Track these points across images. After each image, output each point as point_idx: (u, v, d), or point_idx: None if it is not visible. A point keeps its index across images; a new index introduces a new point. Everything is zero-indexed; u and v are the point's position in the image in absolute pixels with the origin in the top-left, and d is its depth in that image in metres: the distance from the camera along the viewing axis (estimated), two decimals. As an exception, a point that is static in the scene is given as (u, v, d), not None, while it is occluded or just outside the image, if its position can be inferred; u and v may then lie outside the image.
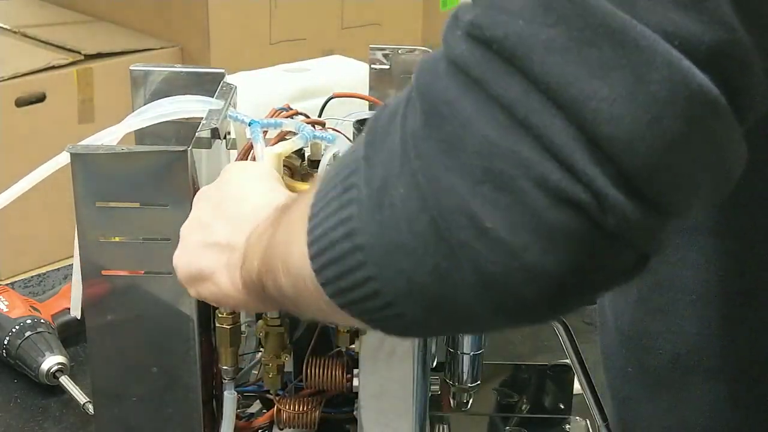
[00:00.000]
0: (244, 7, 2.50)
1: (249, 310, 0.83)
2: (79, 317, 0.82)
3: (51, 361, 1.03)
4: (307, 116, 0.88)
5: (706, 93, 0.45)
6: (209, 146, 0.80)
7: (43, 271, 1.30)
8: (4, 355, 1.06)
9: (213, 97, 0.87)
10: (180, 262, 0.73)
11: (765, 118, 0.49)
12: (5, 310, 1.08)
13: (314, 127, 0.84)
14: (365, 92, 0.96)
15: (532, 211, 0.46)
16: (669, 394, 0.73)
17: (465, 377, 0.97)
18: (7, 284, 1.20)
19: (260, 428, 0.88)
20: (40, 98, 2.30)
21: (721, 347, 0.69)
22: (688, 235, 0.66)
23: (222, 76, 0.91)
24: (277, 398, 0.85)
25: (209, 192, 0.74)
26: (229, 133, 0.87)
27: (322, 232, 0.53)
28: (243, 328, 0.86)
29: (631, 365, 0.76)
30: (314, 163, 0.85)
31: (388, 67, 0.97)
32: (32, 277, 1.29)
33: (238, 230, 0.68)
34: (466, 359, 0.96)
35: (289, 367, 0.85)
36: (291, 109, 0.87)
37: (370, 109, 0.91)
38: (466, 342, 0.96)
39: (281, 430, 0.86)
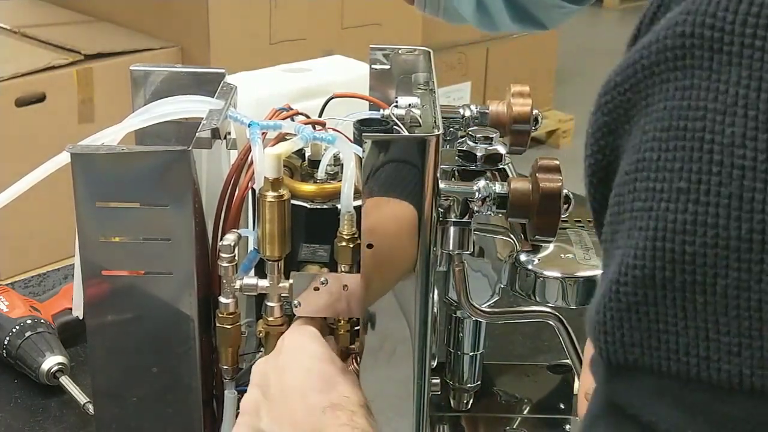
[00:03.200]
0: (244, 7, 2.50)
1: None
2: (81, 317, 0.82)
3: (51, 361, 1.03)
4: (308, 116, 0.88)
5: None
6: (209, 146, 0.80)
7: (43, 271, 1.30)
8: (5, 355, 1.06)
9: (213, 97, 0.87)
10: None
11: None
12: (5, 310, 1.08)
13: (314, 127, 0.84)
14: (365, 92, 0.96)
15: None
16: None
17: (465, 377, 0.97)
18: (7, 284, 1.19)
19: (260, 428, 0.88)
20: (40, 98, 2.30)
21: None
22: None
23: (222, 76, 0.91)
24: (277, 398, 0.85)
25: (265, 370, 0.76)
26: (229, 133, 0.87)
27: None
28: (243, 328, 0.86)
29: None
30: (314, 163, 0.85)
31: (388, 67, 0.97)
32: (32, 277, 1.29)
33: (280, 428, 0.72)
34: (467, 359, 0.97)
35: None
36: (291, 109, 0.87)
37: (370, 109, 0.91)
38: (467, 342, 0.96)
39: (281, 430, 0.86)
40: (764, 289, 0.42)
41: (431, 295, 0.82)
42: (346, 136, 0.84)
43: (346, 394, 0.72)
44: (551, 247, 0.88)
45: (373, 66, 0.98)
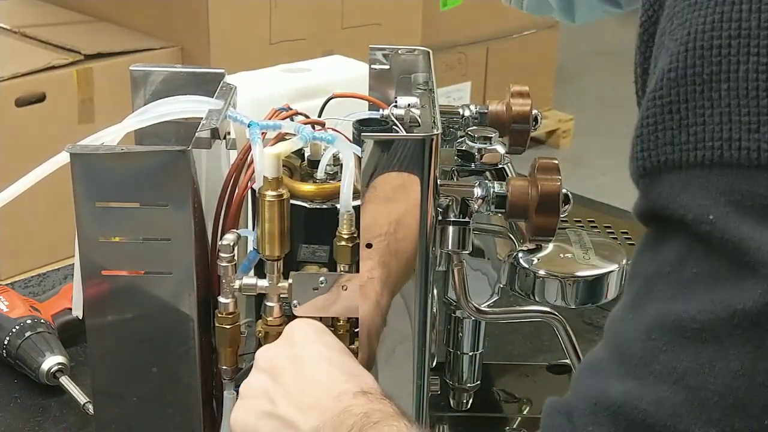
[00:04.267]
0: (244, 7, 2.50)
1: None
2: (81, 317, 0.82)
3: (51, 361, 1.03)
4: (307, 116, 0.88)
5: None
6: (209, 146, 0.80)
7: (43, 271, 1.30)
8: (5, 355, 1.06)
9: (213, 97, 0.87)
10: (238, 423, 0.75)
11: None
12: (5, 310, 1.08)
13: (314, 127, 0.84)
14: (365, 92, 0.96)
15: None
16: None
17: (465, 377, 0.97)
18: (7, 284, 1.19)
19: (260, 428, 0.88)
20: (40, 98, 2.30)
21: None
22: None
23: (222, 76, 0.91)
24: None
25: (275, 357, 0.75)
26: (228, 133, 0.87)
27: None
28: (243, 328, 0.86)
29: None
30: (314, 163, 0.85)
31: (388, 67, 0.97)
32: (32, 277, 1.29)
33: (303, 414, 0.71)
34: (466, 359, 0.97)
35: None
36: (291, 109, 0.87)
37: (370, 109, 0.91)
38: (466, 342, 0.96)
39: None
40: None
41: (431, 295, 0.82)
42: (345, 136, 0.84)
43: (373, 385, 0.72)
44: (551, 246, 0.88)
45: (372, 66, 0.98)
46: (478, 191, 0.80)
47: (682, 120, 0.51)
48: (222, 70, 0.91)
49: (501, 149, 0.89)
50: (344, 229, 0.79)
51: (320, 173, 0.84)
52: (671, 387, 0.51)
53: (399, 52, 0.97)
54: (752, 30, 0.49)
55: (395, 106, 0.86)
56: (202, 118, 0.82)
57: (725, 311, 0.50)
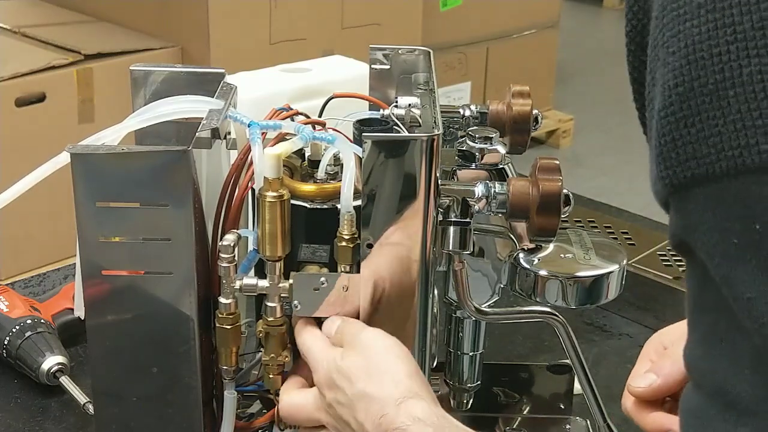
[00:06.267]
0: (244, 8, 2.50)
1: None
2: (82, 317, 0.82)
3: (51, 361, 1.03)
4: (307, 116, 0.88)
5: None
6: (209, 146, 0.80)
7: (43, 271, 1.30)
8: (5, 355, 1.06)
9: (213, 97, 0.87)
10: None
11: None
12: (5, 310, 1.08)
13: (314, 127, 0.84)
14: (365, 92, 0.96)
15: None
16: None
17: (465, 377, 0.97)
18: (7, 284, 1.19)
19: (260, 428, 0.88)
20: (40, 98, 2.30)
21: None
22: None
23: (222, 76, 0.91)
24: (278, 398, 0.85)
25: (349, 371, 0.76)
26: (229, 133, 0.87)
27: None
28: (243, 328, 0.86)
29: None
30: (314, 163, 0.85)
31: (388, 67, 0.97)
32: (32, 277, 1.29)
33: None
34: (466, 359, 0.96)
35: (289, 367, 0.85)
36: (291, 109, 0.87)
37: (370, 109, 0.91)
38: (467, 342, 0.96)
39: (282, 430, 0.86)
40: None
41: (431, 295, 0.82)
42: (346, 136, 0.84)
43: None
44: (551, 247, 0.88)
45: (373, 66, 0.98)
46: (478, 191, 0.80)
47: (699, 133, 0.50)
48: (222, 70, 0.91)
49: (501, 149, 0.89)
50: (345, 230, 0.79)
51: (321, 173, 0.84)
52: None
53: (399, 52, 0.97)
54: (747, 32, 0.49)
55: (396, 106, 0.85)
56: (202, 118, 0.82)
57: None
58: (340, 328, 0.79)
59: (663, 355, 0.83)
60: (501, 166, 0.89)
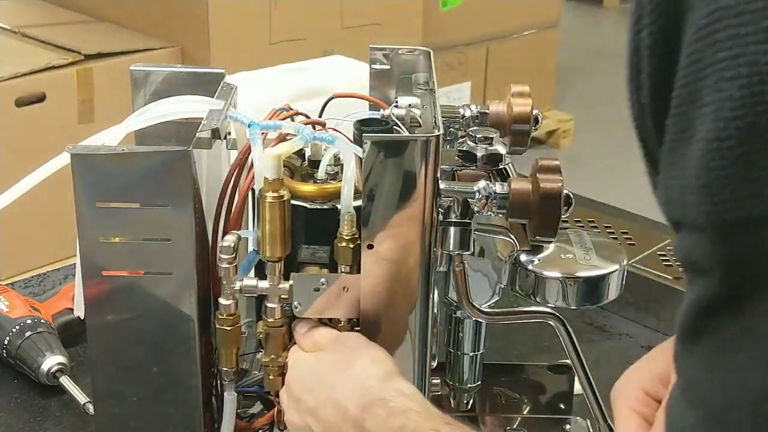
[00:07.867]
0: (244, 7, 2.50)
1: None
2: (82, 317, 0.82)
3: (51, 361, 1.03)
4: (308, 116, 0.88)
5: None
6: (209, 146, 0.80)
7: (43, 271, 1.30)
8: (5, 355, 1.06)
9: (213, 97, 0.87)
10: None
11: None
12: (5, 310, 1.08)
13: (314, 127, 0.84)
14: (365, 92, 0.96)
15: None
16: None
17: (465, 377, 0.97)
18: (7, 284, 1.19)
19: (261, 429, 0.88)
20: (40, 98, 2.30)
21: None
22: None
23: (222, 76, 0.91)
24: (278, 399, 0.85)
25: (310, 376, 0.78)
26: (229, 133, 0.87)
27: None
28: (243, 328, 0.86)
29: None
30: (314, 163, 0.85)
31: (388, 67, 0.97)
32: (32, 277, 1.29)
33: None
34: (467, 359, 0.96)
35: (289, 367, 0.85)
36: (291, 109, 0.87)
37: (370, 109, 0.91)
38: (467, 342, 0.96)
39: (282, 431, 0.86)
40: None
41: (431, 295, 0.82)
42: (346, 136, 0.84)
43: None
44: (551, 247, 0.88)
45: (373, 66, 0.98)
46: (479, 192, 0.80)
47: (762, 172, 0.46)
48: (222, 70, 0.91)
49: (502, 149, 0.89)
50: (345, 230, 0.79)
51: (321, 174, 0.84)
52: None
53: (399, 52, 0.97)
54: None
55: (396, 107, 0.85)
56: (202, 118, 0.82)
57: None
58: (311, 334, 0.81)
59: (650, 404, 0.73)
60: (501, 166, 0.89)
